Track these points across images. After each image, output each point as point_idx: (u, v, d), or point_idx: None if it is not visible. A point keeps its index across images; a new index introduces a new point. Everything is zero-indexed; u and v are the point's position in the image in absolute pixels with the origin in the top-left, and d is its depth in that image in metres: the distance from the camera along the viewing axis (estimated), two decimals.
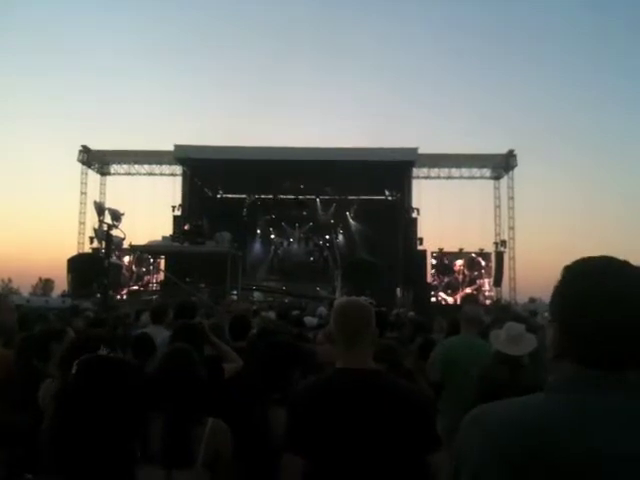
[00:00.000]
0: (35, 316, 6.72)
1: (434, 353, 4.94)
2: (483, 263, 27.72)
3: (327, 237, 31.09)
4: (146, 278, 27.10)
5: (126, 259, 26.30)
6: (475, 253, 27.80)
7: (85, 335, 3.24)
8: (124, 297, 23.81)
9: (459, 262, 28.01)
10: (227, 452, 2.45)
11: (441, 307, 24.05)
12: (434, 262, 27.38)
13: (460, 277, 28.00)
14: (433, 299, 26.44)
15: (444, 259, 27.65)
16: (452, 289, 27.71)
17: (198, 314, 5.67)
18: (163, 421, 2.40)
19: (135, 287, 26.07)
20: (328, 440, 2.08)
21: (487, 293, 27.57)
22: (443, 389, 4.62)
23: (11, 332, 3.88)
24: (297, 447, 2.13)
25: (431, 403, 2.97)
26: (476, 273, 27.83)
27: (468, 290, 27.53)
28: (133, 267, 27.01)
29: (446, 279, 27.81)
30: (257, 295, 25.80)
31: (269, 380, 3.20)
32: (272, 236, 31.24)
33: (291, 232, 31.26)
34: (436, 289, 27.37)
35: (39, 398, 3.08)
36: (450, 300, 27.14)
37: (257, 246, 30.89)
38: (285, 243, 31.47)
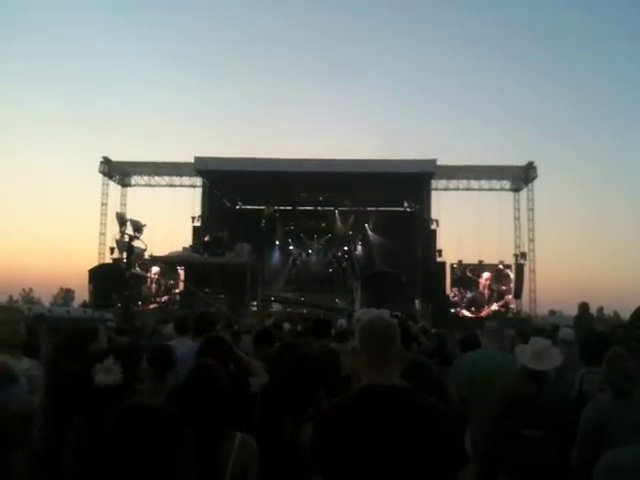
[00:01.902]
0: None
1: (456, 368, 4.92)
2: (511, 275, 26.76)
3: (345, 248, 31.06)
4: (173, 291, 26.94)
5: (153, 270, 26.13)
6: (503, 265, 26.93)
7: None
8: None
9: (485, 275, 27.00)
10: (254, 467, 2.46)
11: (460, 320, 23.81)
12: (455, 275, 26.69)
13: (486, 292, 26.77)
14: (452, 310, 25.79)
15: (466, 272, 26.85)
16: (476, 306, 26.42)
17: (218, 325, 5.68)
18: (191, 436, 2.42)
19: (165, 298, 25.91)
20: (355, 460, 2.06)
21: (514, 308, 26.68)
22: (465, 404, 4.59)
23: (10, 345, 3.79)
24: (323, 469, 2.11)
25: (461, 419, 2.96)
26: (504, 288, 26.71)
27: (494, 307, 26.34)
28: (161, 279, 26.66)
29: (469, 294, 26.70)
30: (275, 306, 25.85)
31: (297, 394, 3.18)
32: (290, 247, 31.30)
33: (309, 243, 31.30)
34: (457, 306, 26.28)
35: None
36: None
37: (275, 257, 30.96)
38: (303, 254, 31.49)
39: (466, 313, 26.24)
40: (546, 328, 9.54)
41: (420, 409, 2.16)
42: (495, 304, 26.43)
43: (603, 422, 3.21)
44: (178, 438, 1.93)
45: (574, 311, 10.72)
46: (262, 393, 3.48)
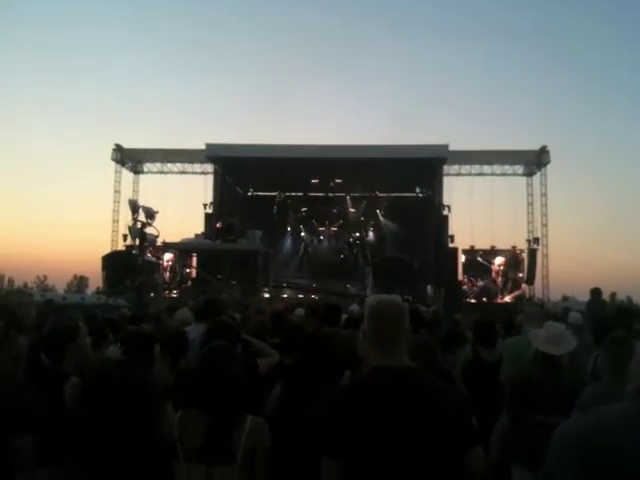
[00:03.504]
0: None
1: (504, 353, 4.90)
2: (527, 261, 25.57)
3: (357, 234, 30.96)
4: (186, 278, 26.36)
5: (166, 257, 25.81)
6: (518, 249, 26.17)
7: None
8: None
9: (498, 261, 25.98)
10: (265, 450, 2.47)
11: (473, 305, 23.67)
12: (465, 260, 26.08)
13: (499, 280, 25.73)
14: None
15: (477, 257, 26.18)
16: (488, 296, 25.32)
17: (228, 311, 5.72)
18: (204, 418, 2.43)
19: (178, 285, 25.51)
20: (367, 440, 2.08)
21: (527, 294, 25.91)
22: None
23: (34, 326, 3.87)
24: (335, 450, 2.11)
25: (467, 401, 2.96)
26: (520, 274, 25.74)
27: (508, 299, 25.02)
28: (174, 266, 26.26)
29: (480, 282, 25.81)
30: (287, 292, 25.91)
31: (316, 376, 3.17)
32: (302, 233, 31.25)
33: (321, 230, 31.24)
34: (467, 295, 25.15)
35: (65, 398, 3.06)
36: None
37: (287, 243, 30.95)
38: (315, 240, 31.44)
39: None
40: (557, 313, 9.50)
41: (429, 390, 2.18)
42: (508, 295, 25.56)
43: (596, 405, 3.19)
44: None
45: (587, 297, 10.65)
46: (281, 377, 3.48)
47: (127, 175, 29.40)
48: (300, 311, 8.69)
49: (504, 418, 4.22)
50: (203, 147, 26.04)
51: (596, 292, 10.33)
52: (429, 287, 25.34)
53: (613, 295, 13.72)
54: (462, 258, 26.09)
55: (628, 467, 1.11)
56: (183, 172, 29.18)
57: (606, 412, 1.21)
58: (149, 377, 3.17)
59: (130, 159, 29.07)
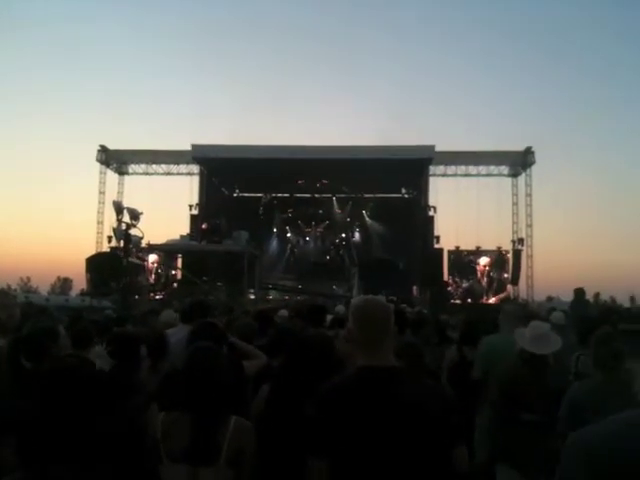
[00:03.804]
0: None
1: (477, 351, 4.91)
2: (512, 261, 25.76)
3: (343, 235, 31.03)
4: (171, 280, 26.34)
5: (151, 258, 25.75)
6: (504, 250, 26.32)
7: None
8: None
9: (483, 261, 26.06)
10: (250, 450, 2.46)
11: (459, 306, 23.75)
12: (451, 261, 26.30)
13: (485, 280, 25.78)
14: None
15: (462, 257, 26.38)
16: (473, 297, 25.25)
17: (214, 313, 5.70)
18: (188, 419, 2.42)
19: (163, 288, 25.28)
20: (354, 439, 2.08)
21: (512, 294, 25.87)
22: (484, 387, 4.60)
23: (16, 328, 3.82)
24: (322, 450, 2.11)
25: (453, 400, 2.97)
26: (505, 275, 25.79)
27: (493, 301, 24.76)
28: (159, 268, 26.20)
29: (465, 283, 25.90)
30: (273, 294, 25.86)
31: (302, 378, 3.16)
32: (288, 234, 31.26)
33: (307, 231, 31.27)
34: (452, 297, 24.97)
35: None
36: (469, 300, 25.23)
37: (273, 245, 30.93)
38: (301, 242, 31.47)
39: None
40: (540, 313, 9.55)
41: (415, 389, 2.18)
42: (494, 297, 25.56)
43: (586, 402, 3.21)
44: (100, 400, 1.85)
45: (571, 297, 10.72)
46: (268, 378, 3.46)
47: (112, 176, 29.23)
48: (284, 312, 8.67)
49: (485, 418, 4.25)
50: (189, 148, 25.93)
51: (579, 292, 10.40)
52: (415, 288, 25.43)
53: (597, 295, 13.86)
54: (447, 259, 26.23)
55: None
56: (168, 173, 29.06)
57: (623, 419, 1.21)
58: (104, 374, 3.13)
59: (115, 160, 28.89)
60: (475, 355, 4.91)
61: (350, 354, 3.31)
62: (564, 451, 1.24)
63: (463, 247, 26.71)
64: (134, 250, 20.35)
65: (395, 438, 2.06)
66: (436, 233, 25.90)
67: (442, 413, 2.14)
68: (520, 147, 26.93)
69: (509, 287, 26.36)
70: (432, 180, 26.64)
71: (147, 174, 29.18)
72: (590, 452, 1.15)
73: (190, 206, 26.97)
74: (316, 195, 29.56)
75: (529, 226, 27.31)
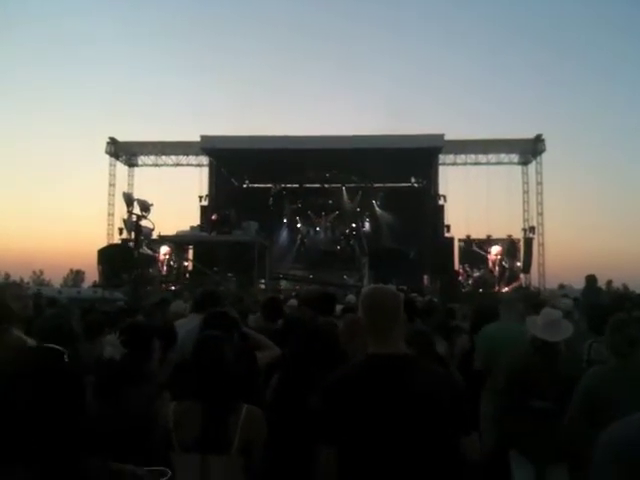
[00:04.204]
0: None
1: (477, 341, 4.92)
2: (523, 250, 25.30)
3: (353, 225, 30.95)
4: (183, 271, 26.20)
5: (162, 250, 25.65)
6: (515, 238, 26.06)
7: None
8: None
9: (495, 250, 25.72)
10: (261, 439, 2.47)
11: (470, 295, 23.61)
12: (462, 250, 26.11)
13: (496, 269, 25.46)
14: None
15: (473, 246, 26.10)
16: (485, 287, 24.63)
17: (224, 303, 5.70)
18: (199, 408, 2.43)
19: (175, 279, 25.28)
20: (363, 426, 2.08)
21: (523, 283, 25.51)
22: (487, 376, 4.60)
23: (20, 320, 3.82)
24: (331, 436, 2.11)
25: (463, 387, 2.97)
26: (518, 264, 25.48)
27: (506, 290, 23.99)
28: (171, 259, 26.01)
29: (476, 273, 25.63)
30: (284, 284, 25.90)
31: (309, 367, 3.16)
32: (298, 225, 31.22)
33: (317, 221, 31.20)
34: (462, 286, 24.25)
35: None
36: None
37: (284, 235, 30.93)
38: (311, 232, 31.43)
39: None
40: (551, 301, 9.51)
41: (426, 375, 2.18)
42: (506, 286, 25.19)
43: (600, 388, 3.19)
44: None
45: (583, 285, 10.66)
46: (280, 367, 3.47)
47: (122, 168, 29.30)
48: (293, 302, 8.68)
49: (490, 405, 4.26)
50: (198, 139, 25.94)
51: (591, 279, 10.32)
52: (426, 277, 25.36)
53: (609, 283, 13.79)
54: (458, 248, 26.11)
55: None
56: (178, 164, 29.08)
57: None
58: (66, 365, 3.12)
59: (124, 152, 28.95)
60: (476, 345, 4.92)
61: (350, 341, 3.33)
62: (596, 451, 1.24)
63: (474, 236, 26.50)
64: (145, 242, 20.43)
65: (405, 425, 2.06)
66: (446, 222, 25.84)
67: (452, 401, 2.14)
68: (530, 135, 26.70)
69: (521, 276, 26.14)
70: (442, 169, 26.56)
71: (156, 165, 29.23)
72: (620, 451, 1.16)
73: (200, 197, 27.02)
74: (326, 185, 29.47)
75: (540, 214, 27.15)
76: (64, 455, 1.47)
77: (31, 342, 3.43)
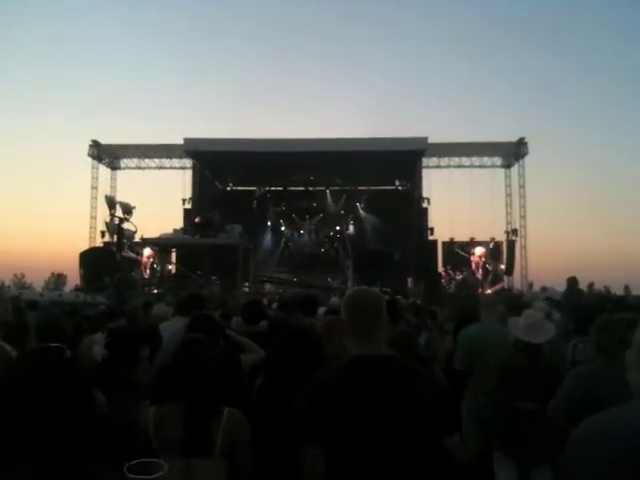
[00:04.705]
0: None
1: (458, 342, 4.95)
2: (506, 252, 25.38)
3: (337, 228, 30.97)
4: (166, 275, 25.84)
5: (145, 253, 25.40)
6: (498, 241, 26.26)
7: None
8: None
9: (478, 251, 25.88)
10: (244, 441, 2.46)
11: (454, 296, 23.73)
12: (445, 252, 26.32)
13: (480, 272, 25.59)
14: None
15: (455, 249, 26.28)
16: (468, 289, 24.34)
17: (209, 306, 5.67)
18: (181, 411, 2.41)
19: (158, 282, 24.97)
20: (349, 427, 2.08)
21: (506, 285, 25.67)
22: (468, 377, 4.62)
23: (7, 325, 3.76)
24: (318, 438, 2.11)
25: (446, 389, 2.98)
26: (502, 266, 25.54)
27: (489, 292, 23.74)
28: (154, 262, 25.77)
29: (458, 275, 25.72)
30: (268, 287, 25.84)
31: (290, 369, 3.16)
32: (282, 228, 31.19)
33: (301, 224, 31.19)
34: (445, 289, 24.28)
35: None
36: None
37: (267, 238, 30.87)
38: (295, 235, 31.41)
39: None
40: (533, 303, 9.60)
41: (409, 376, 2.18)
42: (490, 288, 25.27)
43: (588, 387, 3.21)
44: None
45: (565, 287, 10.75)
46: (264, 369, 3.45)
47: (104, 171, 29.12)
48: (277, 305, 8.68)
49: (471, 406, 4.28)
50: (181, 142, 25.85)
51: (572, 281, 10.42)
52: (410, 280, 25.45)
53: (591, 285, 13.93)
54: (442, 250, 26.24)
55: None
56: (161, 167, 28.98)
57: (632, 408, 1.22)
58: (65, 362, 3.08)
59: (107, 155, 28.78)
60: (456, 345, 4.96)
61: (328, 341, 3.34)
62: (572, 440, 1.23)
63: (457, 238, 26.69)
64: (128, 245, 20.29)
65: (389, 426, 2.07)
66: (430, 225, 25.98)
67: (435, 402, 2.15)
68: (513, 138, 26.98)
69: (504, 278, 26.35)
70: (425, 172, 26.72)
71: (139, 168, 29.11)
72: (610, 435, 1.16)
73: (183, 200, 26.93)
74: (310, 188, 29.50)
75: (522, 217, 27.43)
76: (67, 455, 1.46)
77: (9, 349, 3.37)
